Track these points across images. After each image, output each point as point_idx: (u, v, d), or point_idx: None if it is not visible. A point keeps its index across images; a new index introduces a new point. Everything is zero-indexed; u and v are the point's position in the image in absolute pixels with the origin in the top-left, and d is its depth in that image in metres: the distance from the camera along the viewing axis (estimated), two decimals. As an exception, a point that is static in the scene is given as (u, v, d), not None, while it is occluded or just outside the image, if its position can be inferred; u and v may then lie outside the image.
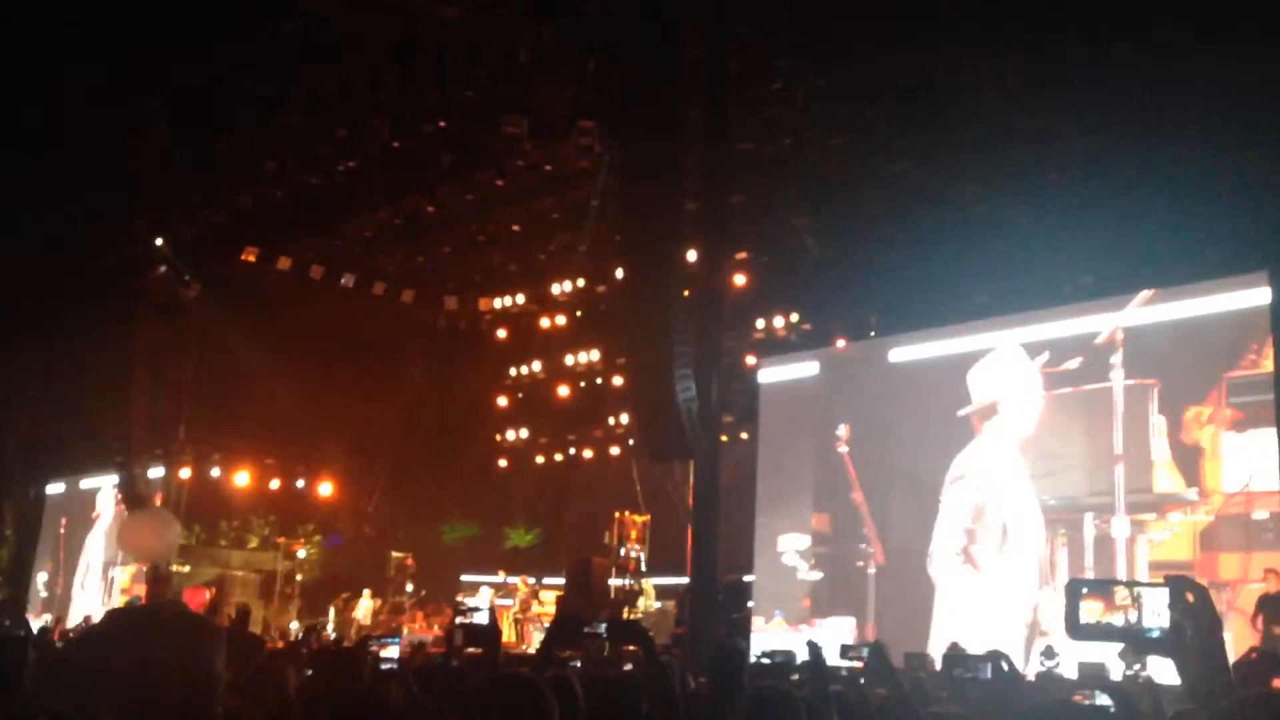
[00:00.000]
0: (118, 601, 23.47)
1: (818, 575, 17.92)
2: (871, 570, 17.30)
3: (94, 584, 25.70)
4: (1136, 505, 15.81)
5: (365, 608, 22.51)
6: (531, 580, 21.37)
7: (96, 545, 26.07)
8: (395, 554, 24.60)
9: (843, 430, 17.86)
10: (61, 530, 26.97)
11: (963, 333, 16.93)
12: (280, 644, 17.16)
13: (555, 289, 23.22)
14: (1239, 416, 15.12)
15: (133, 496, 22.48)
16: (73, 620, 23.01)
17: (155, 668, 1.92)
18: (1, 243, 19.85)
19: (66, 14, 15.38)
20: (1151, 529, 15.56)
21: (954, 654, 7.28)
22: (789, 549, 18.12)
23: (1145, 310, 16.01)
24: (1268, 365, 14.67)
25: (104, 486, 25.86)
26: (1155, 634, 2.23)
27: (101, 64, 16.26)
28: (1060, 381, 16.42)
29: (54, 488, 26.68)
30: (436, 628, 20.28)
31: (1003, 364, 16.49)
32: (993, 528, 16.37)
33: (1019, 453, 16.34)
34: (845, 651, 6.60)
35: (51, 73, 16.65)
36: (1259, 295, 14.92)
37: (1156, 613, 2.22)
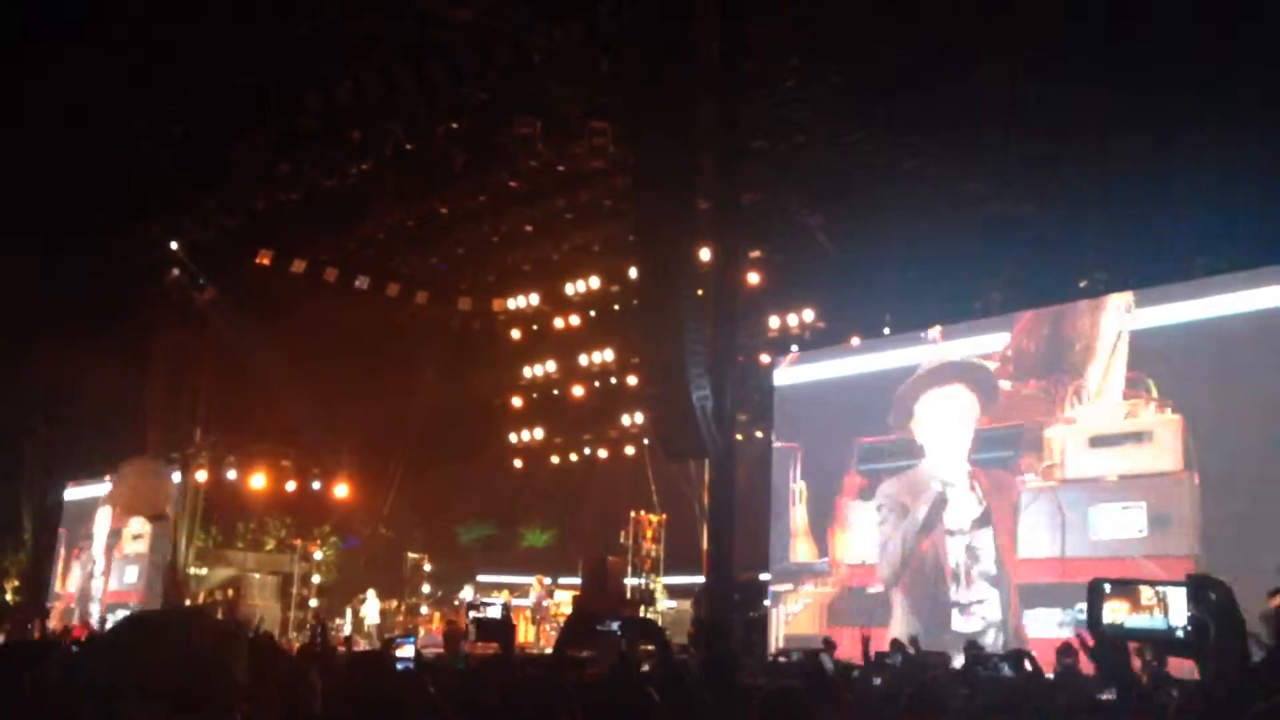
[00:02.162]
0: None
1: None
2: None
3: (98, 587, 25.70)
4: (779, 575, 15.60)
5: (372, 608, 22.54)
6: (547, 580, 21.37)
7: (100, 550, 26.09)
8: (411, 555, 24.64)
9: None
10: (82, 534, 27.00)
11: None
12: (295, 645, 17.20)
13: (569, 289, 23.20)
14: (863, 484, 14.89)
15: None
16: (81, 621, 23.04)
17: (172, 672, 1.91)
18: (17, 249, 19.92)
19: (81, 16, 15.44)
20: (789, 601, 15.33)
21: (975, 652, 7.25)
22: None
23: (790, 370, 15.74)
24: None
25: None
26: (1180, 634, 2.19)
27: (114, 68, 16.30)
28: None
29: (71, 493, 26.71)
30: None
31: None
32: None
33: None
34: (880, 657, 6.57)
35: (64, 76, 16.71)
36: (899, 357, 14.75)
37: (1181, 613, 2.19)
